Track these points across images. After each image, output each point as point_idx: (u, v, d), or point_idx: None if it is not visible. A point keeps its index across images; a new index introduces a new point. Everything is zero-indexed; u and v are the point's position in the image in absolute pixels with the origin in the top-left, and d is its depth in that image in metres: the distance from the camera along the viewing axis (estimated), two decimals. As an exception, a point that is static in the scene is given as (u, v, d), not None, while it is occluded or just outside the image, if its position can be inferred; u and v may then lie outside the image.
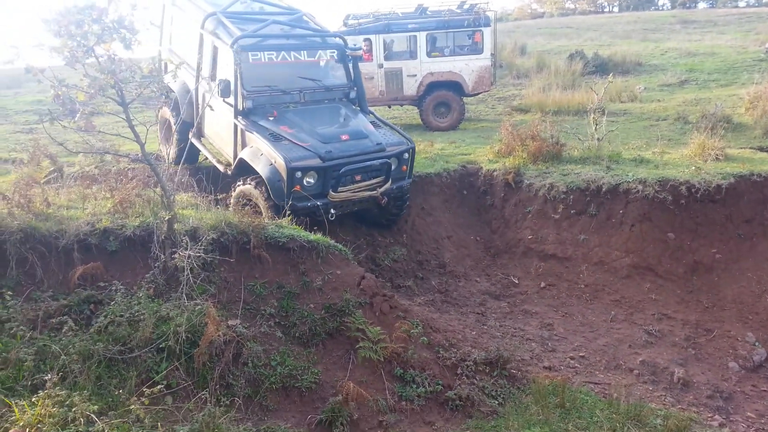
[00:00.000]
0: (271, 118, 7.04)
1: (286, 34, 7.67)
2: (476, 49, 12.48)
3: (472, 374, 5.46)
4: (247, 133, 7.03)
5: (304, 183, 6.58)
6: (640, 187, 7.68)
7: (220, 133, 7.74)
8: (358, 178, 6.95)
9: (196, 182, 6.94)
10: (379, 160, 6.99)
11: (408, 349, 5.35)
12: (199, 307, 4.74)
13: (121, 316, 4.56)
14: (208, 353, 4.58)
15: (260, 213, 6.49)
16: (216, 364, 4.61)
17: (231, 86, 7.00)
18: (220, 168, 7.72)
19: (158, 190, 5.32)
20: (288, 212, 6.22)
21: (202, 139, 8.25)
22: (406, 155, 7.33)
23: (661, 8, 42.28)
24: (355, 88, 7.89)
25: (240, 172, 7.18)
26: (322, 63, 7.81)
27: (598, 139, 9.08)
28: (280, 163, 6.49)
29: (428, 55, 12.39)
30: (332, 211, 6.83)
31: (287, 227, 5.77)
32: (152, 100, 10.21)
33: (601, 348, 6.34)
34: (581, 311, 7.07)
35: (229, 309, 5.11)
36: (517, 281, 7.80)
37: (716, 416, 5.43)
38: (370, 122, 7.51)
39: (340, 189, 6.77)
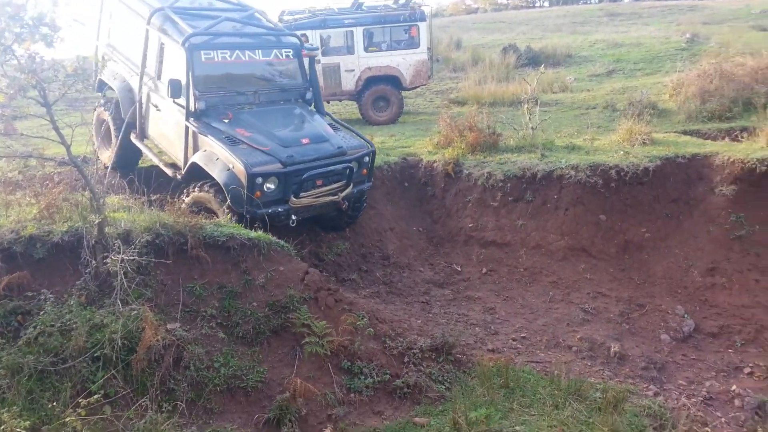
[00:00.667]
0: (226, 121, 6.75)
1: (239, 32, 7.41)
2: (413, 43, 12.60)
3: (418, 362, 5.52)
4: (200, 136, 6.72)
5: (265, 189, 6.31)
6: (572, 172, 7.94)
7: (168, 135, 7.38)
8: (319, 183, 6.78)
9: (128, 184, 6.68)
10: (342, 165, 6.84)
11: (354, 341, 5.36)
12: (135, 312, 4.60)
13: (52, 325, 4.37)
14: (146, 359, 4.45)
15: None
16: (156, 369, 4.49)
17: (181, 86, 6.69)
18: (168, 172, 7.38)
19: (87, 193, 5.12)
20: (248, 219, 6.05)
21: (145, 140, 7.85)
22: (367, 159, 7.21)
23: (588, 2, 43.78)
24: (311, 89, 7.71)
25: (191, 177, 6.84)
26: (277, 63, 7.58)
27: (532, 128, 9.33)
28: (240, 168, 6.20)
29: (365, 50, 12.42)
30: (293, 217, 6.65)
31: (226, 226, 5.66)
32: (78, 101, 9.80)
33: (541, 328, 6.53)
34: (521, 294, 7.26)
35: (168, 312, 4.98)
36: (459, 269, 7.93)
37: (651, 386, 5.69)
38: (328, 124, 7.37)
39: (301, 195, 6.59)
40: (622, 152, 8.18)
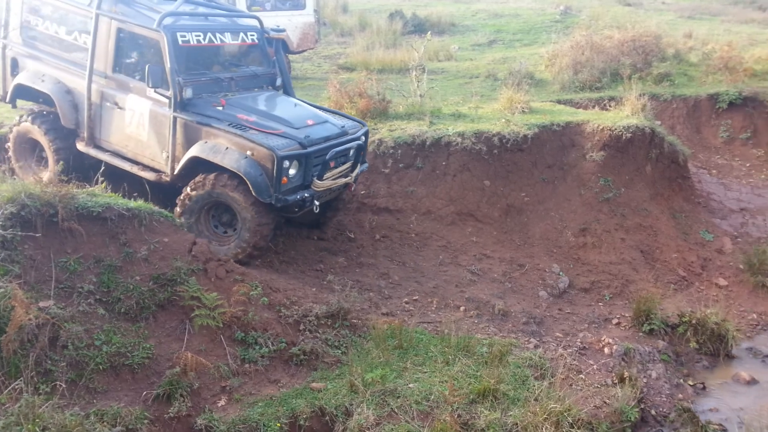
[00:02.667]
0: (219, 108, 6.21)
1: (204, 14, 6.81)
2: (299, 4, 12.24)
3: (314, 329, 5.52)
4: (197, 127, 6.08)
5: (289, 174, 5.94)
6: (459, 139, 8.18)
7: (139, 135, 6.46)
8: (332, 164, 6.45)
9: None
10: (357, 142, 6.57)
11: (248, 311, 5.25)
12: (2, 290, 4.18)
13: None
14: (18, 340, 4.11)
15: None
16: (30, 350, 4.16)
17: (164, 74, 6.00)
18: (148, 176, 6.46)
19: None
20: (279, 208, 5.84)
21: (103, 145, 6.75)
22: (364, 138, 6.93)
23: (470, -27, 44.74)
24: (281, 75, 7.26)
25: (185, 175, 6.21)
26: (245, 47, 7.04)
27: (420, 95, 9.47)
28: (263, 153, 5.78)
29: (248, 9, 11.88)
30: (316, 202, 6.35)
31: (102, 195, 5.26)
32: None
33: (432, 290, 6.75)
34: (413, 258, 7.44)
35: (39, 290, 4.59)
36: (353, 236, 7.96)
37: (531, 339, 6.10)
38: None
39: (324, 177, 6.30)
40: (504, 120, 8.54)
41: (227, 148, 5.94)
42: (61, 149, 6.88)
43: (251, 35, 7.10)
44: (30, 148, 7.19)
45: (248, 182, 5.81)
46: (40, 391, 3.98)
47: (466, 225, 7.98)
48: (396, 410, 4.72)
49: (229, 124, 6.03)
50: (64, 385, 4.11)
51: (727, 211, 8.82)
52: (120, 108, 6.48)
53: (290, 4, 12.22)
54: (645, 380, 5.84)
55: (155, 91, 6.12)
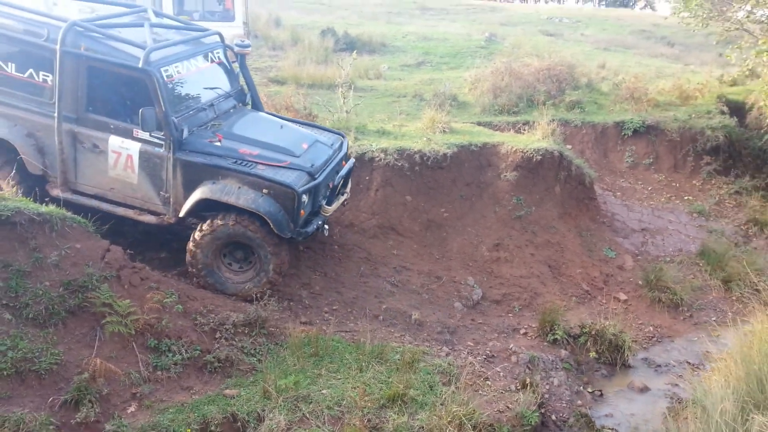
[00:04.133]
0: (218, 143, 6.04)
1: (176, 40, 6.46)
2: (227, 16, 12.28)
3: (231, 336, 5.57)
4: (201, 168, 5.91)
5: (304, 206, 5.99)
6: (382, 155, 8.43)
7: (129, 177, 6.10)
8: (330, 185, 6.51)
9: None
10: (351, 160, 6.59)
11: (162, 319, 5.25)
12: None
13: None
14: None
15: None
16: (-75, 356, 3.99)
17: (156, 116, 5.71)
18: (148, 220, 6.23)
19: None
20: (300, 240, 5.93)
21: (82, 189, 6.30)
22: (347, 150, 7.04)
23: (404, -5, 45.82)
24: (250, 90, 7.16)
25: (190, 216, 6.09)
26: (214, 67, 6.83)
27: (346, 111, 9.68)
28: (281, 190, 5.82)
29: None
30: (326, 226, 6.50)
31: (11, 199, 5.14)
32: None
33: (352, 300, 6.92)
34: (334, 269, 7.59)
35: (-60, 294, 4.43)
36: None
37: (444, 348, 6.38)
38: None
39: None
40: (425, 138, 8.88)
41: (239, 187, 5.87)
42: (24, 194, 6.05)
43: (217, 53, 6.94)
44: None
45: (269, 221, 5.82)
46: (-64, 398, 3.85)
47: (387, 238, 8.22)
48: (308, 415, 4.84)
49: (234, 162, 5.95)
50: (-38, 392, 3.99)
51: (630, 230, 9.49)
52: (99, 150, 6.08)
53: (219, 16, 12.24)
54: (547, 387, 6.22)
55: (145, 135, 5.90)
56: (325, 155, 6.59)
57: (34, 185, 6.15)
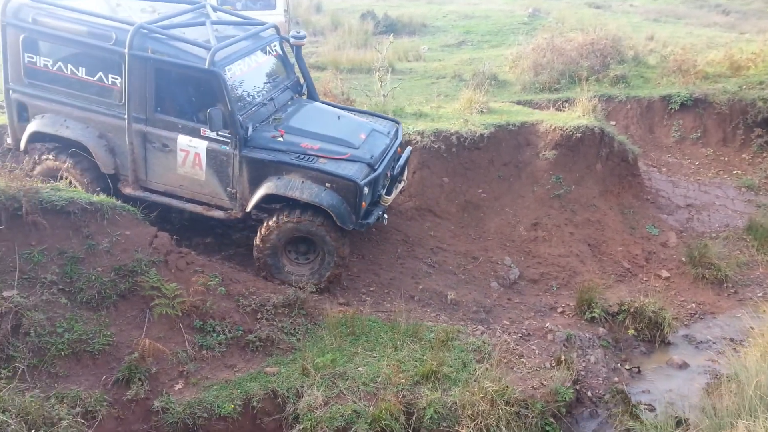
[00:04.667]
0: (280, 139, 6.23)
1: (238, 37, 6.51)
2: (269, 4, 12.49)
3: (271, 317, 5.83)
4: (266, 165, 6.13)
5: (366, 198, 6.20)
6: (419, 138, 8.50)
7: (197, 175, 6.30)
8: (389, 174, 6.69)
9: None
10: (408, 148, 6.76)
11: (206, 301, 5.54)
12: (-35, 279, 4.42)
13: None
14: (-20, 327, 4.33)
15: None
16: (-8, 337, 4.38)
17: (223, 116, 5.88)
18: (216, 215, 6.46)
19: None
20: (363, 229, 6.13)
21: (152, 187, 6.53)
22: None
23: (447, -27, 45.16)
24: (305, 80, 7.32)
25: (256, 210, 6.40)
26: (272, 60, 7.01)
27: (383, 95, 9.78)
28: (343, 184, 6.02)
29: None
30: (385, 216, 6.66)
31: (65, 190, 5.51)
32: None
33: (389, 281, 7.08)
34: (372, 252, 7.75)
35: (3, 280, 4.84)
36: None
37: (479, 327, 6.46)
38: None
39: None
40: (462, 120, 8.88)
41: (303, 182, 6.05)
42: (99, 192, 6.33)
43: (275, 47, 7.04)
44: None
45: (333, 214, 6.02)
46: (1, 376, 4.22)
47: (424, 220, 8.32)
48: (344, 391, 5.04)
49: (297, 157, 6.13)
50: (25, 370, 4.36)
51: (675, 207, 9.26)
52: (168, 149, 6.26)
53: (261, 4, 12.47)
54: (583, 364, 6.22)
55: (211, 134, 6.07)
56: (383, 144, 6.68)
57: (107, 184, 6.51)
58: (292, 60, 7.49)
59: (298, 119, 6.66)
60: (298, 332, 5.76)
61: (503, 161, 8.72)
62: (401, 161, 7.00)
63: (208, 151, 6.19)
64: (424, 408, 4.97)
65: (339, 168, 6.11)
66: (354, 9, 19.36)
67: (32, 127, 6.43)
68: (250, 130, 6.13)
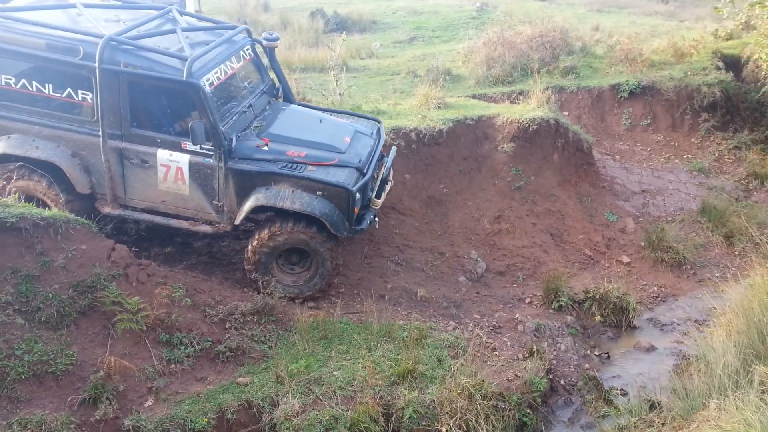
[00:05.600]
0: (265, 148, 6.03)
1: (212, 43, 6.19)
2: (181, 4, 12.19)
3: (240, 326, 5.69)
4: (253, 176, 5.94)
5: (357, 203, 6.06)
6: (379, 135, 8.45)
7: (180, 189, 6.07)
8: (377, 177, 6.60)
9: None
10: (393, 147, 6.66)
11: (172, 313, 5.36)
12: None
13: None
14: (-70, 355, 4.06)
15: None
16: (-56, 365, 4.11)
17: (204, 129, 5.65)
18: (204, 230, 6.26)
19: None
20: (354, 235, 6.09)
21: (132, 204, 6.25)
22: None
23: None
24: (281, 83, 7.15)
25: (246, 223, 6.27)
26: (246, 65, 6.72)
27: (340, 93, 9.69)
28: (335, 191, 5.90)
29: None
30: (376, 219, 6.57)
31: (15, 206, 5.22)
32: None
33: (357, 282, 7.01)
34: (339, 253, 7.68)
35: (-48, 304, 4.54)
36: (278, 234, 8.11)
37: (451, 322, 6.48)
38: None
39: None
40: (420, 116, 8.88)
41: (293, 191, 5.91)
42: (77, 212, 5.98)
43: (248, 50, 6.80)
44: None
45: (326, 223, 5.89)
46: (-42, 405, 3.98)
47: (388, 218, 8.27)
48: (321, 397, 4.96)
49: (284, 166, 5.97)
50: (-17, 397, 4.12)
51: (630, 193, 9.51)
52: (148, 165, 6.00)
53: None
54: (555, 353, 6.32)
55: (184, 149, 5.88)
56: (368, 146, 6.59)
57: (84, 205, 6.20)
58: (265, 62, 7.30)
59: (280, 125, 6.47)
60: (269, 339, 5.64)
61: (463, 156, 8.76)
62: (388, 162, 6.90)
63: (191, 165, 5.96)
64: (403, 408, 4.94)
65: (329, 175, 6.00)
66: (302, 7, 19.15)
67: None
68: (234, 141, 5.95)
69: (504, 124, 8.70)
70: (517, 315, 6.77)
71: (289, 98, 7.30)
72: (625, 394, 5.97)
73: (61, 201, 6.09)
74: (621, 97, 11.00)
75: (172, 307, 5.37)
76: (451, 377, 5.18)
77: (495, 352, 5.99)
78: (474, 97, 10.59)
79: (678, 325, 6.93)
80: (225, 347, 5.36)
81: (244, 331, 5.62)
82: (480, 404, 5.00)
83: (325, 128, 6.60)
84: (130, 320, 5.09)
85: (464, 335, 6.07)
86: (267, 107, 6.80)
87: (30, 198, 5.93)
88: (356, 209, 6.07)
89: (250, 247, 6.16)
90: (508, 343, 6.29)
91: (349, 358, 5.47)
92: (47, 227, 5.20)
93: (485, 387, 5.11)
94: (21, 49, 5.73)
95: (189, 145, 5.85)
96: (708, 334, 5.59)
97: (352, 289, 6.95)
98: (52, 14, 6.14)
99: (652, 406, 5.20)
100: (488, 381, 5.20)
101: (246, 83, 6.72)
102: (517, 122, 8.61)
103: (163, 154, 5.95)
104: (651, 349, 6.67)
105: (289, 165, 6.00)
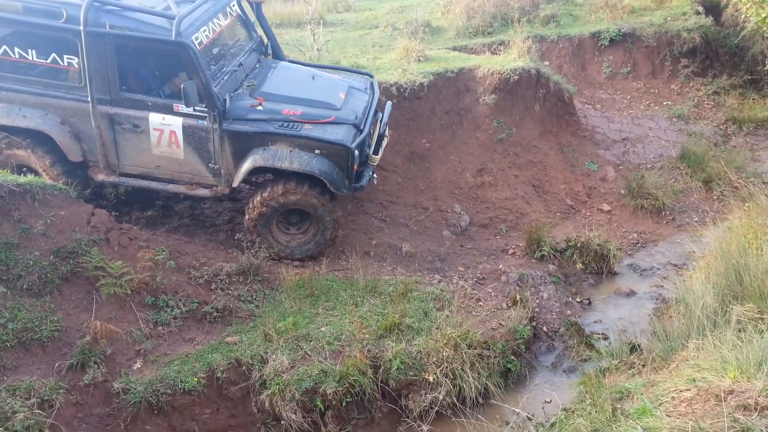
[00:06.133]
0: (259, 108, 5.89)
1: (198, 2, 5.96)
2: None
3: (226, 286, 5.70)
4: (250, 137, 5.81)
5: (356, 160, 5.96)
6: (358, 90, 8.32)
7: (175, 153, 5.95)
8: (373, 132, 6.50)
9: None
10: (389, 102, 6.56)
11: (156, 276, 5.35)
12: None
13: None
14: None
15: None
16: (-73, 336, 4.09)
17: (197, 89, 5.49)
18: (202, 194, 6.18)
19: None
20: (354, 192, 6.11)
21: (126, 170, 6.15)
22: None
23: None
24: (269, 39, 6.94)
25: (243, 185, 6.19)
26: (234, 22, 6.50)
27: (317, 49, 9.48)
28: (334, 149, 5.81)
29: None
30: (374, 176, 6.46)
31: (-12, 173, 5.11)
32: None
33: (342, 239, 6.99)
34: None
35: (-68, 275, 4.48)
36: (260, 194, 8.05)
37: (436, 275, 6.53)
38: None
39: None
40: (400, 70, 8.74)
41: (291, 151, 5.80)
42: (66, 180, 5.97)
43: (234, 7, 6.58)
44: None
45: (326, 181, 5.82)
46: (-57, 375, 3.97)
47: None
48: (309, 352, 5.03)
49: (280, 125, 5.85)
50: (-32, 366, 4.12)
51: (610, 141, 9.53)
52: (140, 129, 5.86)
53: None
54: (537, 301, 6.43)
55: (176, 112, 5.74)
56: (363, 102, 6.49)
57: (77, 172, 6.11)
58: (252, 19, 7.09)
59: (272, 84, 6.32)
60: (255, 299, 5.67)
61: (445, 109, 8.68)
62: (384, 117, 6.78)
63: (185, 128, 5.83)
64: (390, 360, 5.03)
65: (326, 133, 5.89)
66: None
67: None
68: (228, 101, 5.81)
69: (485, 76, 8.61)
70: (501, 266, 6.84)
71: (278, 55, 7.11)
72: (606, 338, 6.12)
73: (55, 171, 5.97)
74: (601, 45, 10.89)
75: (156, 270, 5.36)
76: (437, 329, 5.26)
77: (479, 303, 6.07)
78: (454, 49, 10.42)
79: (658, 269, 7.06)
80: (212, 308, 5.38)
81: (230, 291, 5.63)
82: (465, 353, 5.10)
83: (318, 85, 6.47)
84: (114, 284, 5.08)
85: (449, 288, 6.14)
86: (257, 65, 6.63)
87: (21, 167, 5.85)
88: (355, 166, 6.01)
89: (248, 210, 6.08)
90: (492, 293, 6.37)
91: (336, 314, 5.52)
92: (24, 194, 5.13)
93: (470, 336, 5.21)
94: (0, 14, 5.55)
95: (181, 108, 5.70)
96: (687, 277, 5.72)
97: (337, 246, 6.93)
98: None
99: (633, 348, 5.34)
100: (473, 331, 5.30)
101: (235, 41, 6.55)
102: (498, 73, 8.52)
103: (155, 118, 5.81)
104: (631, 294, 6.81)
105: (286, 124, 5.89)
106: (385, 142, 6.89)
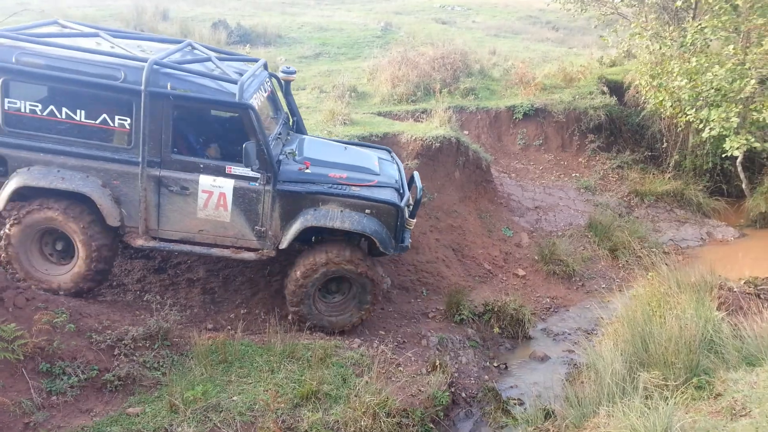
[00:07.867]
0: (307, 171, 5.99)
1: (249, 71, 6.07)
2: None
3: (131, 352, 5.34)
4: (302, 198, 5.88)
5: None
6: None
7: (221, 216, 5.85)
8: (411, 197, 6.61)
9: None
10: (414, 173, 6.87)
11: (53, 340, 4.94)
12: None
13: None
14: None
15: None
16: None
17: (255, 151, 5.54)
18: (247, 257, 6.04)
19: None
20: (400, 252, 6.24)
21: (166, 236, 5.95)
22: None
23: (298, -16, 45.19)
24: (295, 115, 7.16)
25: (291, 247, 6.07)
26: (268, 98, 6.58)
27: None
28: (384, 208, 5.97)
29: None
30: (409, 239, 6.52)
31: None
32: None
33: (260, 301, 6.83)
34: (242, 272, 7.44)
35: None
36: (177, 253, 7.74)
37: (356, 339, 6.42)
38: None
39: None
40: (326, 131, 8.86)
41: (342, 211, 5.90)
42: (103, 246, 5.85)
43: (268, 84, 6.76)
44: (36, 238, 5.83)
45: (377, 241, 5.94)
46: None
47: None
48: (219, 424, 4.74)
49: (330, 186, 5.97)
50: None
51: (525, 209, 9.98)
52: (188, 192, 5.77)
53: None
54: (456, 366, 6.46)
55: (227, 175, 5.74)
56: (395, 169, 6.79)
57: (111, 238, 5.95)
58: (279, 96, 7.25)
59: (312, 151, 6.47)
60: (162, 366, 5.33)
61: (368, 172, 8.80)
62: (418, 183, 6.90)
63: (236, 190, 5.82)
64: (306, 431, 4.82)
65: (375, 194, 6.08)
66: (205, 17, 18.66)
67: (17, 181, 5.54)
68: (280, 163, 5.98)
69: (408, 142, 8.87)
70: (422, 329, 6.85)
71: (302, 131, 7.32)
72: (522, 403, 6.19)
73: (89, 234, 5.76)
74: (516, 118, 11.57)
75: (53, 334, 4.96)
76: (355, 396, 5.13)
77: (399, 368, 6.00)
78: (379, 114, 10.73)
79: (569, 334, 7.31)
80: (113, 376, 5.00)
81: (134, 357, 5.28)
82: (384, 422, 4.98)
83: (353, 154, 6.73)
84: (6, 349, 4.63)
85: (369, 352, 6.04)
86: (288, 138, 6.85)
87: (48, 231, 5.78)
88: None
89: (293, 278, 6.11)
90: (412, 358, 6.33)
91: (250, 381, 5.28)
92: None
93: (389, 404, 5.10)
94: (53, 73, 5.38)
95: (234, 170, 5.77)
96: (596, 343, 5.93)
97: (255, 308, 6.75)
98: (76, 41, 5.84)
99: (547, 414, 5.42)
100: (392, 398, 5.20)
101: (266, 114, 6.65)
102: (421, 140, 8.80)
103: (205, 180, 5.77)
104: (545, 358, 6.98)
105: (336, 186, 6.02)
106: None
